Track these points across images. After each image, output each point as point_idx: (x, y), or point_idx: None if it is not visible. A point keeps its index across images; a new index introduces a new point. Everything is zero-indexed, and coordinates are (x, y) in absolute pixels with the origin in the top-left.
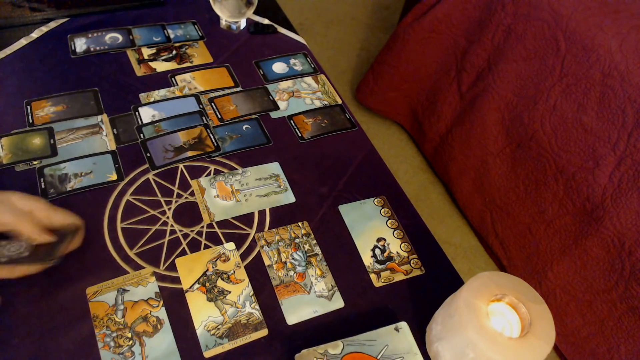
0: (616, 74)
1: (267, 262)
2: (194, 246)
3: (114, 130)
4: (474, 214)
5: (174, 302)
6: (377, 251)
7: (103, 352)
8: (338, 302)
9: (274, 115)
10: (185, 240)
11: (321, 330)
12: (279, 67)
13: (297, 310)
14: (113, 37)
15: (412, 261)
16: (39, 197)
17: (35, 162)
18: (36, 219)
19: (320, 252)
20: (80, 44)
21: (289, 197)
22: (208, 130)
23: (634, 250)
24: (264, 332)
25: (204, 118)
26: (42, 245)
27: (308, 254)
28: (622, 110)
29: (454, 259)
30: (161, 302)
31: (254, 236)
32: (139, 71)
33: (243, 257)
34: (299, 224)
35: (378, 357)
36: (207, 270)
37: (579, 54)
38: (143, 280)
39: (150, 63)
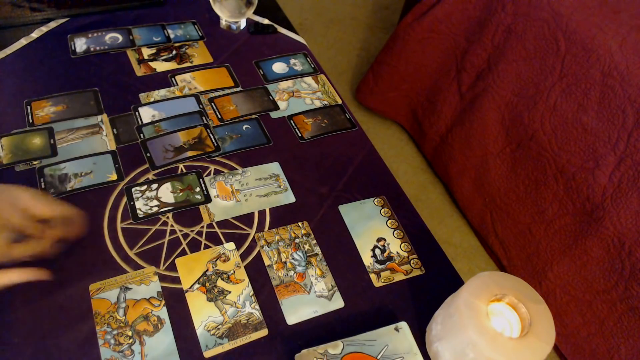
0: (616, 74)
1: (267, 262)
2: (194, 246)
3: (114, 130)
4: (474, 214)
5: (174, 302)
6: (377, 251)
7: (103, 350)
8: (338, 302)
9: (274, 115)
10: (185, 240)
11: (321, 330)
12: (279, 67)
13: (297, 310)
14: (113, 37)
15: (412, 261)
16: (36, 190)
17: (35, 162)
18: (28, 211)
19: (320, 252)
20: (80, 44)
21: (289, 197)
22: (208, 130)
23: (634, 250)
24: (264, 332)
25: (204, 118)
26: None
27: (308, 254)
28: (622, 110)
29: (454, 259)
30: (163, 302)
31: (254, 236)
32: (139, 71)
33: (243, 257)
34: (299, 224)
35: (378, 357)
36: (207, 270)
37: (579, 54)
38: (146, 279)
39: (150, 63)
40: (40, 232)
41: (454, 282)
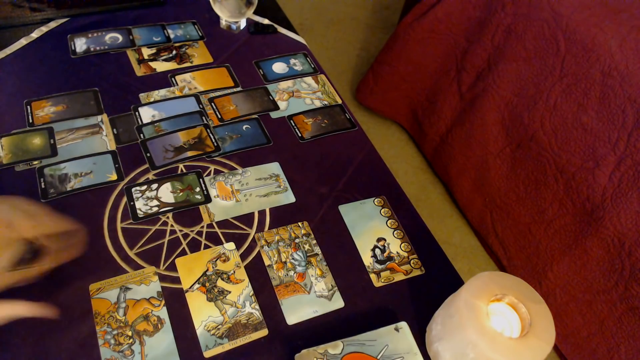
0: (616, 74)
1: (267, 262)
2: (194, 246)
3: (114, 130)
4: (474, 214)
5: (174, 302)
6: (377, 251)
7: (103, 350)
8: (338, 302)
9: (274, 115)
10: (185, 240)
11: (321, 330)
12: (279, 67)
13: (297, 310)
14: (113, 37)
15: (412, 261)
16: (39, 203)
17: (35, 162)
18: (34, 222)
19: (320, 252)
20: (80, 44)
21: (289, 197)
22: (208, 130)
23: (634, 250)
24: (264, 332)
25: (204, 118)
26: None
27: (308, 254)
28: (622, 110)
29: (454, 259)
30: (163, 302)
31: (254, 236)
32: (139, 71)
33: (243, 257)
34: (299, 224)
35: (378, 357)
36: (207, 270)
37: (579, 54)
38: (146, 279)
39: (150, 63)
40: (41, 251)
41: (454, 282)
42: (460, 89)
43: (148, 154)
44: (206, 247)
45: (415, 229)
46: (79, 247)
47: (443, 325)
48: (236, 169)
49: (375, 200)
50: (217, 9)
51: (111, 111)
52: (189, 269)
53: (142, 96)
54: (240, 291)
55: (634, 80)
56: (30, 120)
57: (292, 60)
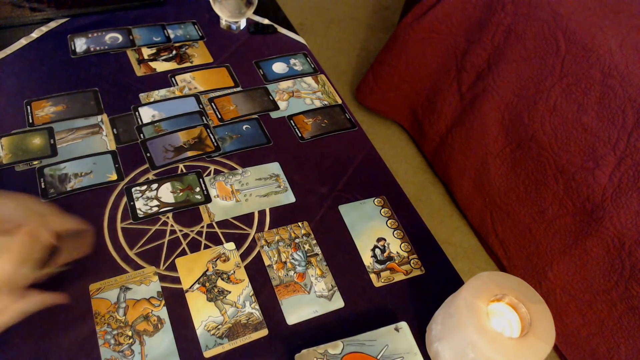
0: (616, 74)
1: (267, 262)
2: (194, 246)
3: (114, 130)
4: (474, 214)
5: (174, 302)
6: (377, 251)
7: (103, 350)
8: (338, 302)
9: (274, 115)
10: (185, 240)
11: (321, 330)
12: (279, 67)
13: (297, 310)
14: (113, 37)
15: (412, 261)
16: (47, 202)
17: (35, 162)
18: (45, 222)
19: (320, 252)
20: (80, 44)
21: (289, 197)
22: (208, 130)
23: (634, 250)
24: (264, 332)
25: (204, 118)
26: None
27: (308, 254)
28: (622, 110)
29: (454, 259)
30: (163, 302)
31: (254, 236)
32: (139, 71)
33: (243, 257)
34: (299, 224)
35: (378, 357)
36: (207, 270)
37: (579, 54)
38: (146, 279)
39: (150, 63)
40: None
41: (454, 282)
42: (460, 89)
43: (148, 154)
44: (206, 247)
45: (415, 229)
46: (87, 246)
47: (443, 325)
48: (236, 169)
49: (375, 200)
50: (217, 9)
51: (111, 111)
52: (189, 269)
53: (142, 96)
54: (240, 291)
55: (634, 80)
56: (30, 120)
57: (292, 60)
